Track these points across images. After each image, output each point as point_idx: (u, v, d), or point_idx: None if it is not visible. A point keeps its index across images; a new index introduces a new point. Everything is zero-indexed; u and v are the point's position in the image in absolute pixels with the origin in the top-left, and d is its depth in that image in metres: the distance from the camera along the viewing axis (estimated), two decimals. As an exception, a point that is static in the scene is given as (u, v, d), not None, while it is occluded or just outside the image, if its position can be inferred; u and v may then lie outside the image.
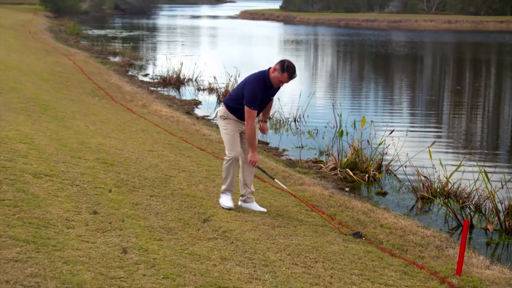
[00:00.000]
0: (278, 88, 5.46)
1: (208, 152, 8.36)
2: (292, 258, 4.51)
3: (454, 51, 33.35)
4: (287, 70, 5.19)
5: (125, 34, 39.10)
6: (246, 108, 5.31)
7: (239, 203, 5.74)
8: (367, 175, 8.48)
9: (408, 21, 63.20)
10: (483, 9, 72.45)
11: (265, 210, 5.74)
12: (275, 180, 5.80)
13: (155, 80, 17.77)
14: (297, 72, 5.36)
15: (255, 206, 5.73)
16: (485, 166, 8.23)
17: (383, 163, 8.94)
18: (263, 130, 5.76)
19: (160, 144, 8.14)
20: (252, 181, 5.76)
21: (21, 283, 3.13)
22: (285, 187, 5.98)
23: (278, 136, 11.31)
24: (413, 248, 5.39)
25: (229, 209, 5.51)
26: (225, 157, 5.55)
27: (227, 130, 5.53)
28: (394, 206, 7.47)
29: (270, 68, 5.35)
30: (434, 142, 8.77)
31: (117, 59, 22.63)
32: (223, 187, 5.61)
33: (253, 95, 5.30)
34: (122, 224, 4.40)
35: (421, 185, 7.82)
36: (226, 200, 5.57)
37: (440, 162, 7.66)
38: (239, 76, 15.16)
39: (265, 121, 5.79)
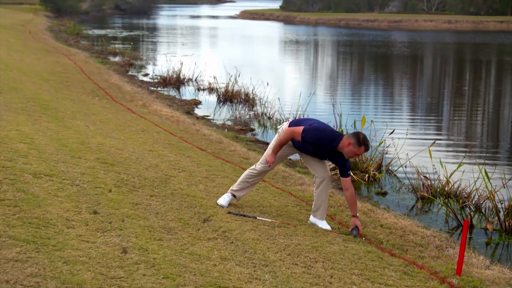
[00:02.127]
0: (346, 160, 5.31)
1: (208, 152, 8.36)
2: (292, 258, 4.51)
3: (454, 52, 33.35)
4: (363, 143, 5.13)
5: (125, 34, 39.10)
6: (300, 126, 5.25)
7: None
8: (367, 175, 8.48)
9: (408, 21, 63.20)
10: (483, 9, 72.45)
11: (329, 228, 5.58)
12: (257, 218, 5.45)
13: (155, 80, 17.77)
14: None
15: (319, 223, 5.61)
16: (485, 166, 8.23)
17: (383, 163, 8.94)
18: (357, 230, 5.41)
19: (160, 144, 8.14)
20: (320, 205, 5.57)
21: (21, 283, 3.13)
22: (269, 220, 5.52)
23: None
24: (413, 248, 5.39)
25: (221, 206, 5.54)
26: (254, 166, 5.65)
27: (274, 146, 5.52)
28: (394, 206, 7.47)
29: (343, 135, 5.24)
30: (434, 142, 8.77)
31: (117, 59, 22.64)
32: (232, 187, 5.73)
33: (314, 131, 5.20)
34: (122, 224, 4.41)
35: (421, 185, 7.82)
36: (223, 198, 5.63)
37: (440, 162, 7.67)
38: (239, 76, 15.18)
39: (355, 215, 5.48)
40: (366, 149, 5.18)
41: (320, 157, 5.48)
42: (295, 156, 9.62)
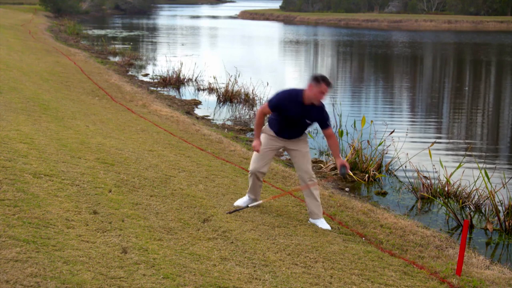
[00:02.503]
0: (320, 111, 5.34)
1: (208, 152, 8.36)
2: (292, 258, 4.51)
3: (454, 52, 33.35)
4: (322, 79, 5.18)
5: (125, 34, 39.10)
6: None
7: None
8: (367, 175, 8.48)
9: (408, 21, 63.19)
10: (483, 9, 72.44)
11: (329, 227, 5.62)
12: (249, 205, 5.63)
13: (155, 80, 17.77)
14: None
15: (318, 222, 5.64)
16: (485, 166, 8.23)
17: (383, 163, 8.94)
18: (345, 167, 5.39)
19: (160, 144, 8.15)
20: (313, 207, 5.62)
21: (21, 283, 3.13)
22: (261, 201, 5.81)
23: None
24: (413, 248, 5.40)
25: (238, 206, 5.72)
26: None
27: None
28: (394, 206, 7.47)
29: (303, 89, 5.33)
30: (434, 142, 8.77)
31: (117, 59, 22.63)
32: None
33: (276, 95, 5.39)
34: (122, 224, 4.41)
35: (421, 185, 7.82)
36: (241, 199, 5.78)
37: (440, 162, 7.67)
38: (239, 76, 15.18)
39: (338, 156, 5.50)
40: (327, 83, 5.20)
41: (300, 128, 5.46)
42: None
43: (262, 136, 5.60)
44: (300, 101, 5.27)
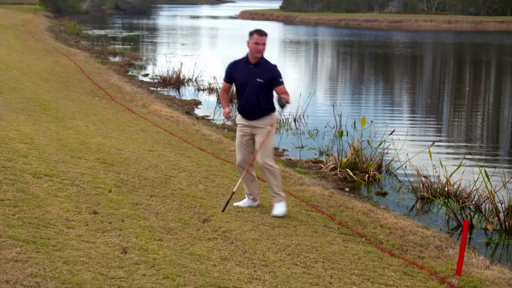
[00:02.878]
0: (270, 68, 5.57)
1: (208, 152, 8.37)
2: (292, 258, 4.51)
3: (454, 52, 33.35)
4: (255, 32, 5.57)
5: (125, 34, 39.10)
6: None
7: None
8: (367, 175, 8.48)
9: (408, 21, 63.19)
10: (483, 9, 72.44)
11: (282, 213, 5.66)
12: (234, 191, 5.65)
13: (155, 80, 17.77)
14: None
15: (276, 208, 5.67)
16: (485, 166, 8.23)
17: (383, 163, 8.93)
18: (285, 99, 5.45)
19: (160, 144, 8.15)
20: (274, 185, 5.63)
21: (21, 283, 3.13)
22: (240, 180, 5.74)
23: (278, 136, 11.31)
24: (413, 248, 5.39)
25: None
26: None
27: (236, 137, 5.78)
28: (394, 206, 7.47)
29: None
30: (434, 142, 8.77)
31: (117, 59, 22.63)
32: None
33: (225, 69, 5.73)
34: (122, 224, 4.41)
35: (421, 185, 7.82)
36: (243, 202, 5.80)
37: (440, 162, 7.66)
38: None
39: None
40: (259, 33, 5.56)
41: (256, 95, 5.52)
42: (295, 156, 9.67)
43: (238, 128, 5.75)
44: (245, 61, 5.58)
